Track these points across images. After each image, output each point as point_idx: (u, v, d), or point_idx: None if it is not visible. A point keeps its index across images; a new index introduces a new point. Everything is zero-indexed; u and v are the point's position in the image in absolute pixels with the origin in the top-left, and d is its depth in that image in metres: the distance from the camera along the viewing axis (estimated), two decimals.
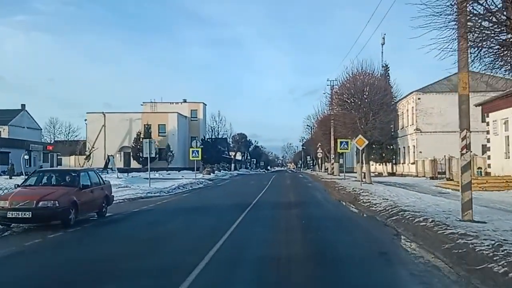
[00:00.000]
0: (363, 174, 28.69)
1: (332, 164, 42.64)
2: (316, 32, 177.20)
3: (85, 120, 67.79)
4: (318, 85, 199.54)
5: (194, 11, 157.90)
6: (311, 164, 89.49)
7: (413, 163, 42.52)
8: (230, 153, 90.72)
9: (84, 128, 69.31)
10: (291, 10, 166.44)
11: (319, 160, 74.20)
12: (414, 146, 42.61)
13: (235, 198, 19.38)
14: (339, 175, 42.07)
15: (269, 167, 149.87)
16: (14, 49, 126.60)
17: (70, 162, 67.30)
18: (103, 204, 13.23)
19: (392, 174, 47.28)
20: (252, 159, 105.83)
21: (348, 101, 27.36)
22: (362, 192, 18.79)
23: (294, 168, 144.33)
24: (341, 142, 30.88)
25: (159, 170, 59.43)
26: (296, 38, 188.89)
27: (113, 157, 55.84)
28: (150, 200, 18.83)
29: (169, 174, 51.72)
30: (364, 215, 13.16)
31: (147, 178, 39.78)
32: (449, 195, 19.60)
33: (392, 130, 45.66)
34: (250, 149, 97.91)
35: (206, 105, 75.52)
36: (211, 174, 45.63)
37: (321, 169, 70.28)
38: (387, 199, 15.02)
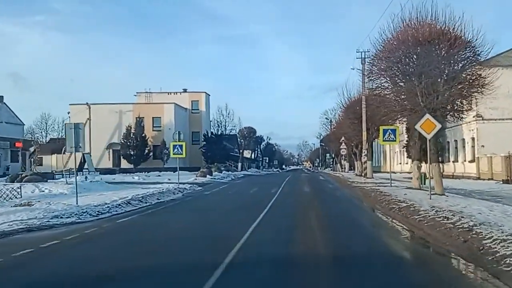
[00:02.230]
0: (423, 177, 18.86)
1: (365, 162, 32.51)
2: (332, 29, 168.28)
3: (68, 113, 58.56)
4: (336, 82, 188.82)
5: (206, 8, 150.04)
6: (331, 163, 78.98)
7: (472, 161, 32.16)
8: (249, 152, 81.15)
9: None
10: (304, 6, 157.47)
11: (341, 158, 63.86)
12: (472, 138, 32.22)
13: (194, 242, 9.16)
14: (372, 177, 31.93)
15: (284, 166, 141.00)
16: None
17: (51, 162, 58.12)
18: None
19: None
20: (264, 158, 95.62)
21: (402, 63, 17.25)
22: (468, 221, 8.77)
23: (310, 167, 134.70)
24: (385, 131, 20.93)
25: (152, 171, 50.11)
26: (311, 36, 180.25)
27: (90, 155, 46.51)
28: (11, 243, 9.13)
29: (159, 176, 42.16)
30: None
31: (121, 183, 30.37)
32: None
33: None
34: (261, 146, 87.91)
35: (209, 95, 65.78)
36: (208, 176, 35.89)
37: (343, 168, 59.96)
38: None
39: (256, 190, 23.84)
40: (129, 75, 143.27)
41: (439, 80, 15.97)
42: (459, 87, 16.03)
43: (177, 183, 26.03)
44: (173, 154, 25.99)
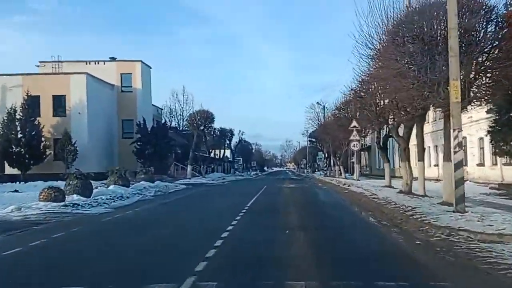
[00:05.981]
0: None
1: (459, 164, 11.51)
2: (318, 30, 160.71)
3: None
4: (323, 84, 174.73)
5: (193, 9, 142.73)
6: (324, 165, 58.94)
7: None
8: (210, 151, 61.33)
9: None
10: (291, 7, 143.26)
11: (339, 158, 44.35)
12: None
13: None
14: (465, 204, 12.10)
15: (265, 168, 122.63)
16: None
17: None
18: None
19: None
20: (238, 158, 75.59)
21: None
22: None
23: (295, 169, 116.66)
24: None
25: (50, 179, 30.12)
26: (297, 37, 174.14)
27: None
28: None
29: (17, 191, 22.20)
30: None
31: None
32: None
33: None
34: (231, 142, 68.02)
35: (150, 68, 45.35)
36: (74, 196, 15.92)
37: (350, 172, 40.29)
38: None
39: None
40: None
41: None
42: None
43: None
44: None
